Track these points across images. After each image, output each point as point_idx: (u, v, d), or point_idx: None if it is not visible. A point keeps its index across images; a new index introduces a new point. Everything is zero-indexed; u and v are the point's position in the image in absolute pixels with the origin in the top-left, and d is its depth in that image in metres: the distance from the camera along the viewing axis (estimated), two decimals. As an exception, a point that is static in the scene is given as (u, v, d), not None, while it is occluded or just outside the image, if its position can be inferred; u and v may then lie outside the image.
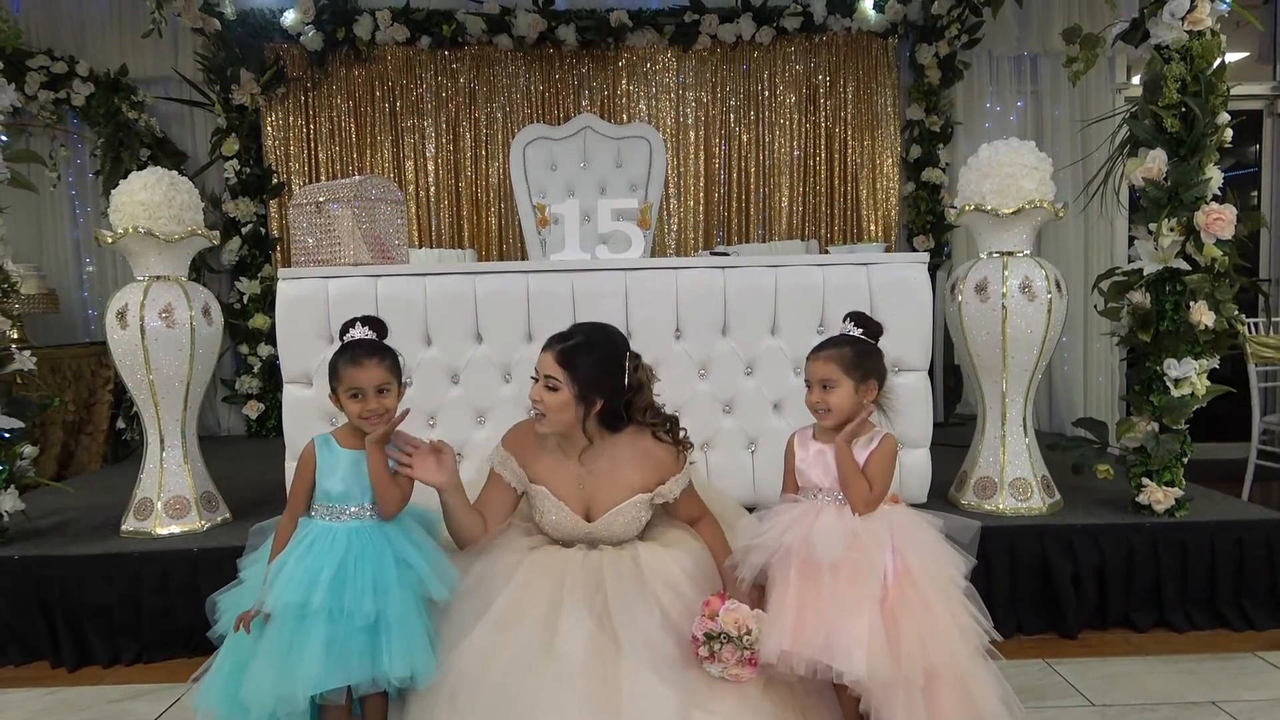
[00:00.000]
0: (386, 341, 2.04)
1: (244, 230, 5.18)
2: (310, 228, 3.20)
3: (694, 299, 3.00)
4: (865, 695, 1.86)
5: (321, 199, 3.18)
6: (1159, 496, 2.92)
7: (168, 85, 5.24)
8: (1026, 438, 3.07)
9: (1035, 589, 2.87)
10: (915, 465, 3.04)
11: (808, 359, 2.07)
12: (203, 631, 2.04)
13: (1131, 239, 3.03)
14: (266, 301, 5.13)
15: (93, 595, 2.76)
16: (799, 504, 2.02)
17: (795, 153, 5.41)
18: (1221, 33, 2.85)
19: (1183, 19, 2.79)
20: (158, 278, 2.98)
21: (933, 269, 4.61)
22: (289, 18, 5.03)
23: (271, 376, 5.16)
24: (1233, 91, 2.97)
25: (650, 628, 1.92)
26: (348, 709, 1.94)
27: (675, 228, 5.41)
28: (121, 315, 2.92)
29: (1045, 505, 3.01)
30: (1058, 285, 2.97)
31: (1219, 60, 2.84)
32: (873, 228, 5.41)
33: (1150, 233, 2.89)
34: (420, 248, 5.07)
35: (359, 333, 2.01)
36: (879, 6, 5.18)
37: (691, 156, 5.40)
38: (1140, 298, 2.94)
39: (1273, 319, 4.81)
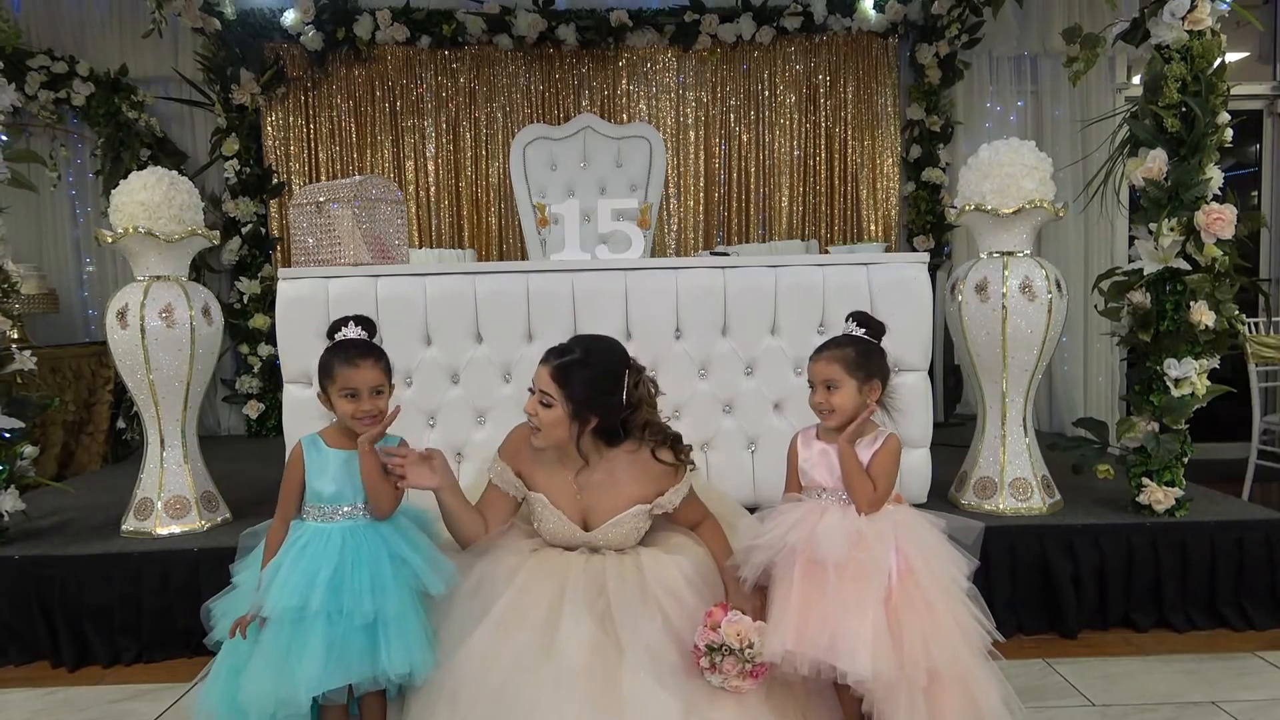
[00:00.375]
0: (375, 343, 2.03)
1: (244, 230, 5.18)
2: (310, 228, 3.20)
3: (694, 299, 3.00)
4: (867, 696, 1.86)
5: (322, 199, 3.18)
6: (1159, 496, 2.92)
7: (168, 85, 5.24)
8: (1026, 438, 3.07)
9: (1035, 589, 2.87)
10: (915, 465, 3.04)
11: (810, 360, 2.05)
12: (203, 632, 2.04)
13: (1131, 239, 3.03)
14: (266, 301, 5.13)
15: (93, 595, 2.76)
16: (803, 503, 2.01)
17: (795, 153, 5.41)
18: (1221, 33, 2.85)
19: (1183, 19, 2.79)
20: (158, 278, 2.98)
21: (933, 269, 4.62)
22: (289, 18, 5.03)
23: (271, 376, 5.16)
24: (1233, 91, 2.97)
25: (652, 633, 1.91)
26: (346, 709, 1.94)
27: (675, 228, 5.42)
28: (121, 315, 2.92)
29: (1045, 505, 3.01)
30: (1058, 285, 2.97)
31: (1219, 60, 2.84)
32: (873, 228, 5.41)
33: (1150, 233, 2.89)
34: (420, 248, 5.07)
35: (351, 332, 2.00)
36: (879, 6, 5.19)
37: (691, 156, 5.41)
38: (1140, 298, 2.94)
39: (1273, 319, 4.81)
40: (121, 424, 4.86)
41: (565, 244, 3.28)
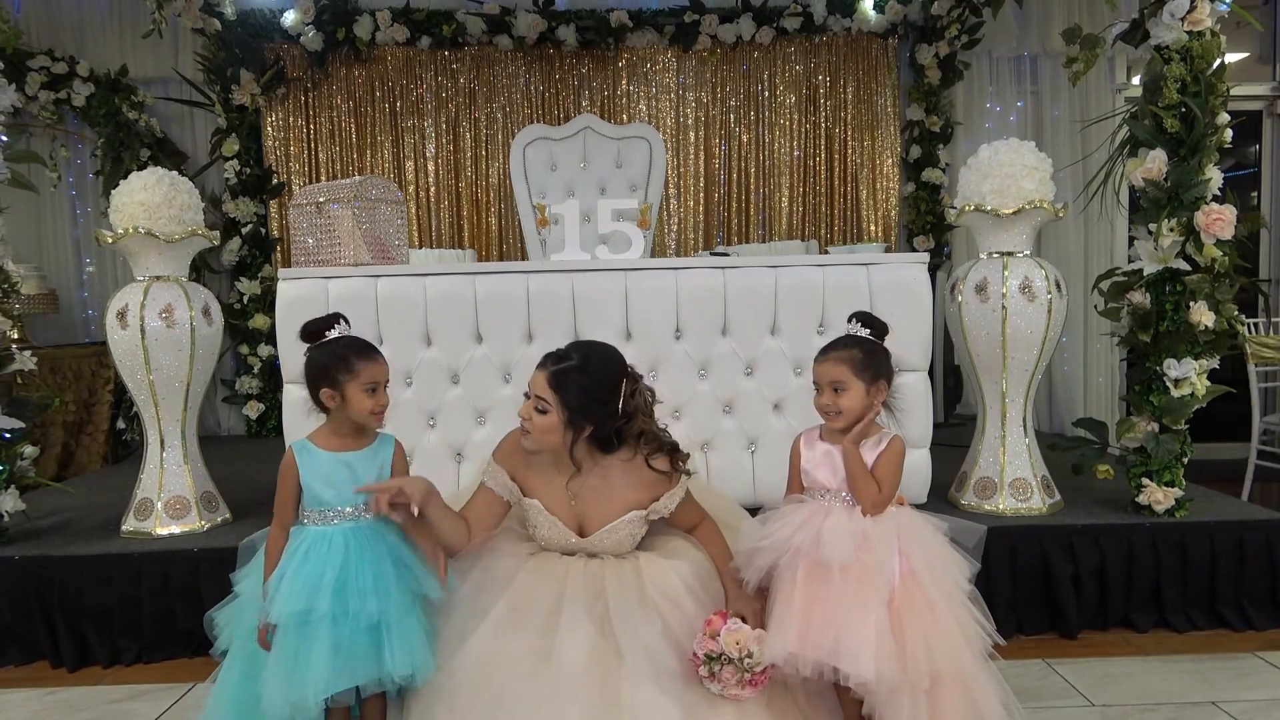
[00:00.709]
0: None
1: (244, 230, 5.18)
2: (310, 228, 3.20)
3: (694, 299, 3.00)
4: (869, 698, 1.86)
5: (322, 199, 3.18)
6: (1159, 497, 2.92)
7: (168, 85, 5.24)
8: (1026, 438, 3.07)
9: (1035, 589, 2.87)
10: (915, 465, 3.03)
11: (816, 361, 2.03)
12: (203, 633, 2.04)
13: (1131, 239, 3.03)
14: (266, 302, 5.13)
15: (93, 596, 2.76)
16: (806, 504, 2.00)
17: (795, 153, 5.42)
18: (1221, 33, 2.85)
19: (1183, 19, 2.79)
20: (158, 278, 2.99)
21: (933, 269, 4.62)
22: (289, 18, 5.03)
23: (271, 377, 5.16)
24: (1233, 91, 2.97)
25: (651, 638, 1.90)
26: (348, 711, 1.94)
27: (675, 228, 5.42)
28: (121, 315, 2.92)
29: (1045, 505, 3.01)
30: (1058, 285, 2.97)
31: (1219, 60, 2.84)
32: (873, 228, 5.41)
33: (1150, 233, 2.89)
34: (420, 248, 5.07)
35: (347, 329, 1.98)
36: (879, 7, 5.19)
37: (691, 157, 5.41)
38: (1140, 298, 2.94)
39: (1273, 319, 4.81)
40: (121, 424, 4.86)
41: (565, 244, 3.28)
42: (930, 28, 5.22)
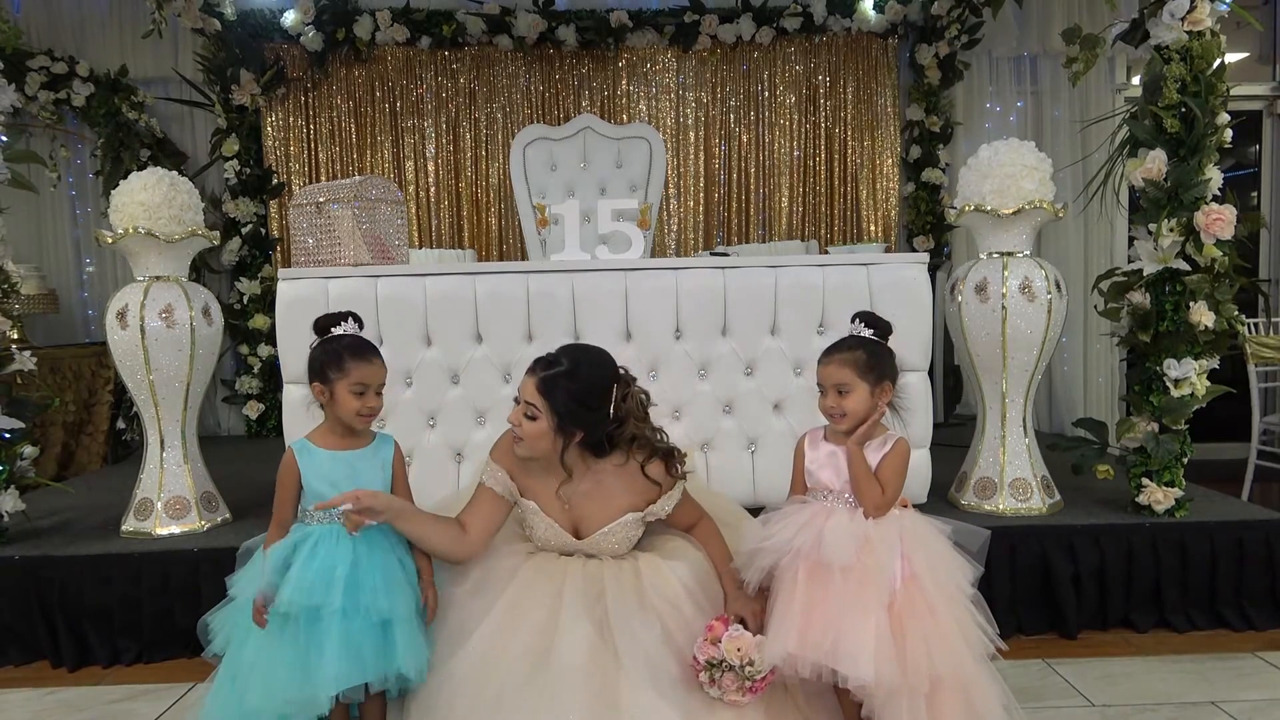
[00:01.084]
0: None
1: (244, 230, 5.18)
2: (310, 228, 3.20)
3: (694, 299, 3.00)
4: (868, 701, 1.85)
5: (322, 199, 3.18)
6: (1159, 497, 2.92)
7: (168, 85, 5.24)
8: (1026, 438, 3.07)
9: (1035, 589, 2.87)
10: (915, 465, 2.99)
11: (819, 363, 2.01)
12: (202, 632, 2.04)
13: (1131, 239, 3.03)
14: (266, 302, 5.13)
15: (93, 596, 2.76)
16: (809, 505, 1.99)
17: (795, 153, 5.42)
18: (1221, 33, 2.85)
19: (1182, 19, 2.79)
20: (158, 278, 2.98)
21: (933, 269, 4.62)
22: (289, 18, 5.03)
23: (271, 377, 5.16)
24: (1233, 91, 2.97)
25: (650, 642, 1.90)
26: (347, 710, 1.94)
27: (675, 228, 5.42)
28: (121, 315, 2.92)
29: (1045, 506, 3.01)
30: (1058, 285, 2.97)
31: (1219, 61, 2.84)
32: (873, 228, 5.41)
33: (1150, 233, 2.89)
34: (420, 248, 5.07)
35: (352, 328, 1.98)
36: (879, 7, 5.19)
37: (691, 157, 5.41)
38: (1140, 298, 2.94)
39: (1273, 319, 4.81)
40: (121, 424, 4.86)
41: (565, 244, 3.28)
42: (930, 28, 5.22)
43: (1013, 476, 3.03)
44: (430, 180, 5.32)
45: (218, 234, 3.18)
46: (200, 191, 3.23)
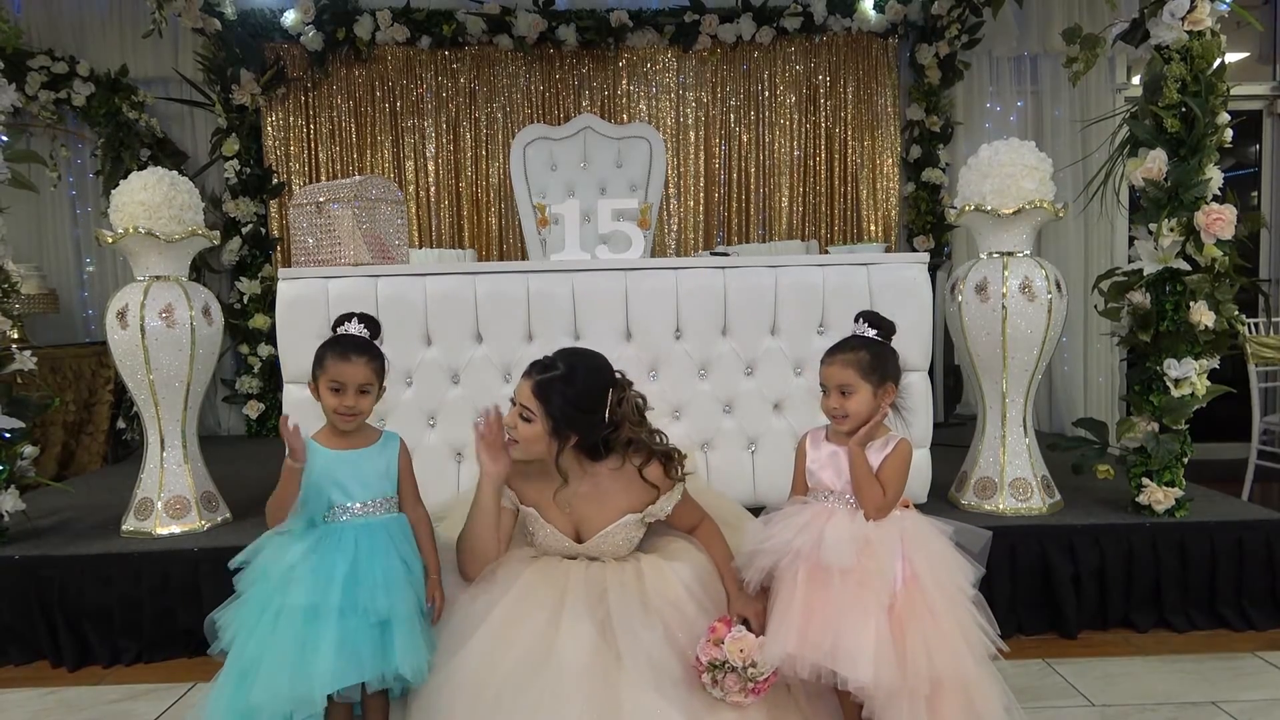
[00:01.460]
0: (377, 344, 2.02)
1: (244, 230, 5.18)
2: (310, 228, 3.20)
3: (694, 299, 3.00)
4: (868, 702, 1.85)
5: (322, 199, 3.18)
6: (1159, 497, 2.92)
7: (168, 85, 5.24)
8: (1026, 438, 3.07)
9: (1035, 589, 2.87)
10: (915, 465, 2.95)
11: (822, 363, 1.99)
12: (203, 632, 2.03)
13: (1131, 239, 3.03)
14: (266, 301, 5.13)
15: (93, 595, 2.76)
16: (809, 506, 1.98)
17: (795, 153, 5.42)
18: (1221, 33, 2.85)
19: (1183, 19, 2.79)
20: (158, 278, 2.98)
21: (933, 269, 4.61)
22: (289, 18, 5.03)
23: (271, 376, 5.16)
24: (1233, 91, 2.97)
25: (652, 643, 1.90)
26: (351, 709, 1.94)
27: (675, 228, 5.42)
28: (121, 315, 2.92)
29: (1045, 505, 3.01)
30: (1058, 285, 2.97)
31: (1219, 60, 2.84)
32: (873, 228, 5.41)
33: (1150, 233, 2.89)
34: (420, 248, 5.07)
35: (353, 328, 2.00)
36: (879, 7, 5.19)
37: (691, 156, 5.41)
38: (1140, 298, 2.94)
39: (1273, 319, 4.81)
40: (121, 424, 4.86)
41: (565, 244, 3.28)
42: (930, 28, 5.22)
43: (1013, 476, 3.03)
44: (430, 180, 5.32)
45: (218, 234, 3.19)
46: (200, 191, 3.23)
